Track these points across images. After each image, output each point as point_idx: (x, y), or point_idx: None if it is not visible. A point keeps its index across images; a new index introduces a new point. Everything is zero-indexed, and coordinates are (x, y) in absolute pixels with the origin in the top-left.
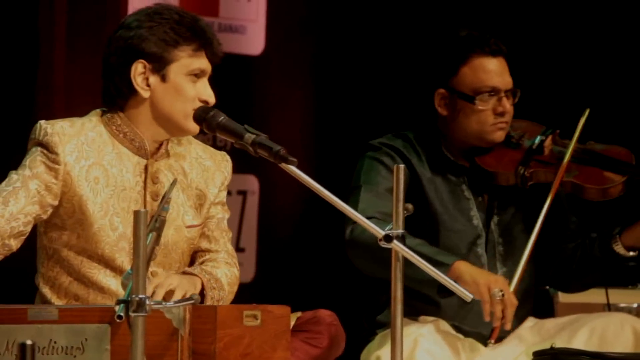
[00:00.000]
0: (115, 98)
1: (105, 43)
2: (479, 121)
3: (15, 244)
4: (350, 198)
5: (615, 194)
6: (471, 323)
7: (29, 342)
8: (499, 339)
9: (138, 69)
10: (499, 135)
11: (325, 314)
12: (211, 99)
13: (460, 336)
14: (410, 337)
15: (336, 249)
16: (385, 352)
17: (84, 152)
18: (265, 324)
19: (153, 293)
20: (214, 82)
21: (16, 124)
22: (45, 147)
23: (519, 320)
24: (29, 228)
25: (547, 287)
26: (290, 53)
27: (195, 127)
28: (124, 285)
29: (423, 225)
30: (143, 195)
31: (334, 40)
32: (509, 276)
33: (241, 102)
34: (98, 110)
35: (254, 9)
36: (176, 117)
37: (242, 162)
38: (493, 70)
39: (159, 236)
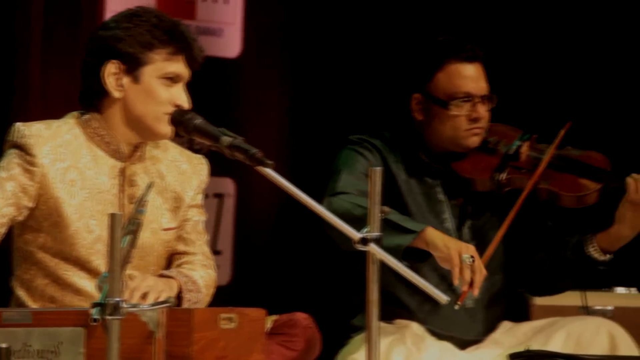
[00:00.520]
0: (90, 99)
1: (82, 44)
2: (453, 127)
3: None
4: (330, 181)
5: (590, 202)
6: (443, 326)
7: (3, 345)
8: (476, 342)
9: (111, 69)
10: (474, 141)
11: (301, 317)
12: (185, 104)
13: (435, 339)
14: (386, 341)
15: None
16: (360, 356)
17: (60, 155)
18: (241, 326)
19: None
20: (190, 85)
21: None
22: (22, 149)
23: (491, 323)
24: (4, 230)
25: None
26: (268, 56)
27: (168, 131)
28: (99, 288)
29: None
30: (119, 198)
31: (311, 43)
32: None
33: (218, 105)
34: (75, 113)
35: (231, 11)
36: (148, 119)
37: (218, 165)
38: (468, 76)
39: (134, 239)
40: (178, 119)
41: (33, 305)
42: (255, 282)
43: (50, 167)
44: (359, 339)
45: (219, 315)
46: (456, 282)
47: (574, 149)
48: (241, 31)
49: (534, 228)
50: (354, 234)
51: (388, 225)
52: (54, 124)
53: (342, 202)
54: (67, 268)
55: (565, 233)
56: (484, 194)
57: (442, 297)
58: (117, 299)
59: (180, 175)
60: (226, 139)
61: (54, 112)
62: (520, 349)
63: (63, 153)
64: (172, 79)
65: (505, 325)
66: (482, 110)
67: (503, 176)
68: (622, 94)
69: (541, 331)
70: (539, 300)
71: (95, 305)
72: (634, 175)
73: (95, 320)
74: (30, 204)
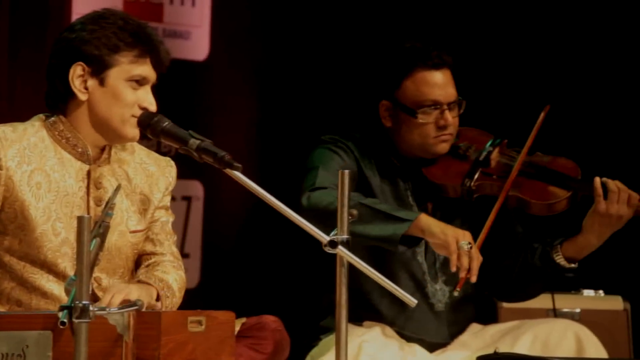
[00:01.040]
0: (56, 101)
1: (49, 47)
2: (421, 134)
3: None
4: (307, 176)
5: (560, 209)
6: (413, 329)
7: None
8: (444, 345)
9: (77, 71)
10: (443, 147)
11: (270, 320)
12: (152, 107)
13: (404, 342)
14: (355, 342)
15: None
16: (330, 357)
17: (25, 157)
18: (210, 329)
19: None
20: (158, 87)
21: None
22: None
23: (460, 325)
24: None
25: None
26: (235, 59)
27: (134, 134)
28: (67, 292)
29: None
30: (86, 201)
31: (279, 46)
32: (451, 284)
33: (185, 108)
34: (41, 115)
35: (198, 14)
36: (113, 122)
37: (186, 168)
38: (435, 84)
39: (102, 242)
40: (145, 121)
41: (0, 308)
42: (223, 285)
43: (16, 169)
44: (328, 340)
45: (187, 318)
46: (454, 268)
47: (543, 154)
48: (209, 34)
49: (503, 234)
50: (323, 237)
51: (380, 215)
52: (20, 126)
53: (321, 196)
54: (34, 271)
55: (533, 239)
56: (454, 200)
57: (411, 300)
58: (85, 302)
59: (147, 178)
60: (194, 142)
61: (19, 115)
62: (488, 351)
63: (29, 156)
64: (139, 82)
65: (473, 327)
66: (450, 117)
67: (473, 183)
68: (593, 98)
69: (509, 333)
70: (507, 303)
71: (63, 308)
72: (606, 180)
73: (63, 323)
74: None
